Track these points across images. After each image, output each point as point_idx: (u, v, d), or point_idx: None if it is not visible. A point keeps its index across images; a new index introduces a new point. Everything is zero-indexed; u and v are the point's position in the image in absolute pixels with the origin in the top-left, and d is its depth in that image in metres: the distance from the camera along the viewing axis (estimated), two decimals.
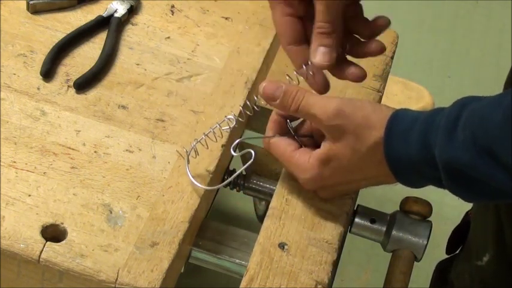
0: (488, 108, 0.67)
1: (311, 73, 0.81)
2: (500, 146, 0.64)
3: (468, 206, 1.05)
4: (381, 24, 0.82)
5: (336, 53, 0.80)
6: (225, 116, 0.84)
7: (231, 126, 0.84)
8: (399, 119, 0.74)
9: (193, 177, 0.83)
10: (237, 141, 0.83)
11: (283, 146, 0.81)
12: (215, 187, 0.85)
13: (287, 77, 0.82)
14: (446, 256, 1.10)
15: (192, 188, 0.83)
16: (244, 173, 0.82)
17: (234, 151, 0.82)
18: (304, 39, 0.82)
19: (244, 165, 0.82)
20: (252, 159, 0.80)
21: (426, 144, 0.70)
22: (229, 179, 0.87)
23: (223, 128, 0.84)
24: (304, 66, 0.82)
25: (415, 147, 0.71)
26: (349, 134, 0.75)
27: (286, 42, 0.82)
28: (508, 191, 0.66)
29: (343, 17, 0.80)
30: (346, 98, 0.87)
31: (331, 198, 0.84)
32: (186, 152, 0.83)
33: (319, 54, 0.79)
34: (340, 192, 0.83)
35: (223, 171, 0.92)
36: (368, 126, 0.74)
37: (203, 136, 0.83)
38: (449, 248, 1.08)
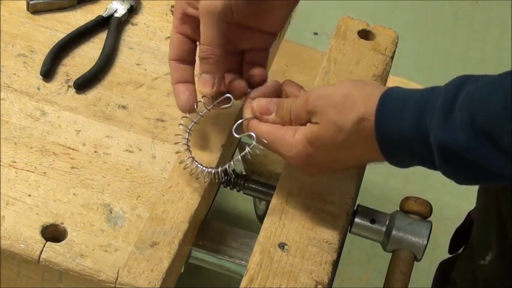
0: (487, 90, 0.65)
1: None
2: (499, 129, 0.63)
3: (469, 205, 1.05)
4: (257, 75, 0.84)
5: (220, 79, 0.80)
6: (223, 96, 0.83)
7: (228, 105, 0.82)
8: (393, 96, 0.72)
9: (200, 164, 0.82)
10: (238, 121, 0.82)
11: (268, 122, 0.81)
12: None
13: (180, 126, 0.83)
14: (448, 256, 1.10)
15: (192, 188, 0.83)
16: (244, 169, 0.81)
17: (237, 133, 0.82)
18: (188, 60, 0.83)
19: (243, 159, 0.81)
20: (253, 144, 0.79)
21: (420, 123, 0.68)
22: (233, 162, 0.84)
23: (222, 107, 0.83)
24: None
25: (408, 126, 0.69)
26: (330, 111, 0.74)
27: (170, 56, 0.83)
28: (506, 174, 0.65)
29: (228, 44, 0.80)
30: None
31: (317, 176, 0.82)
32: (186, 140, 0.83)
33: (201, 81, 0.80)
34: (326, 170, 0.80)
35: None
36: (349, 104, 0.73)
37: (200, 116, 0.83)
38: (452, 248, 1.07)
